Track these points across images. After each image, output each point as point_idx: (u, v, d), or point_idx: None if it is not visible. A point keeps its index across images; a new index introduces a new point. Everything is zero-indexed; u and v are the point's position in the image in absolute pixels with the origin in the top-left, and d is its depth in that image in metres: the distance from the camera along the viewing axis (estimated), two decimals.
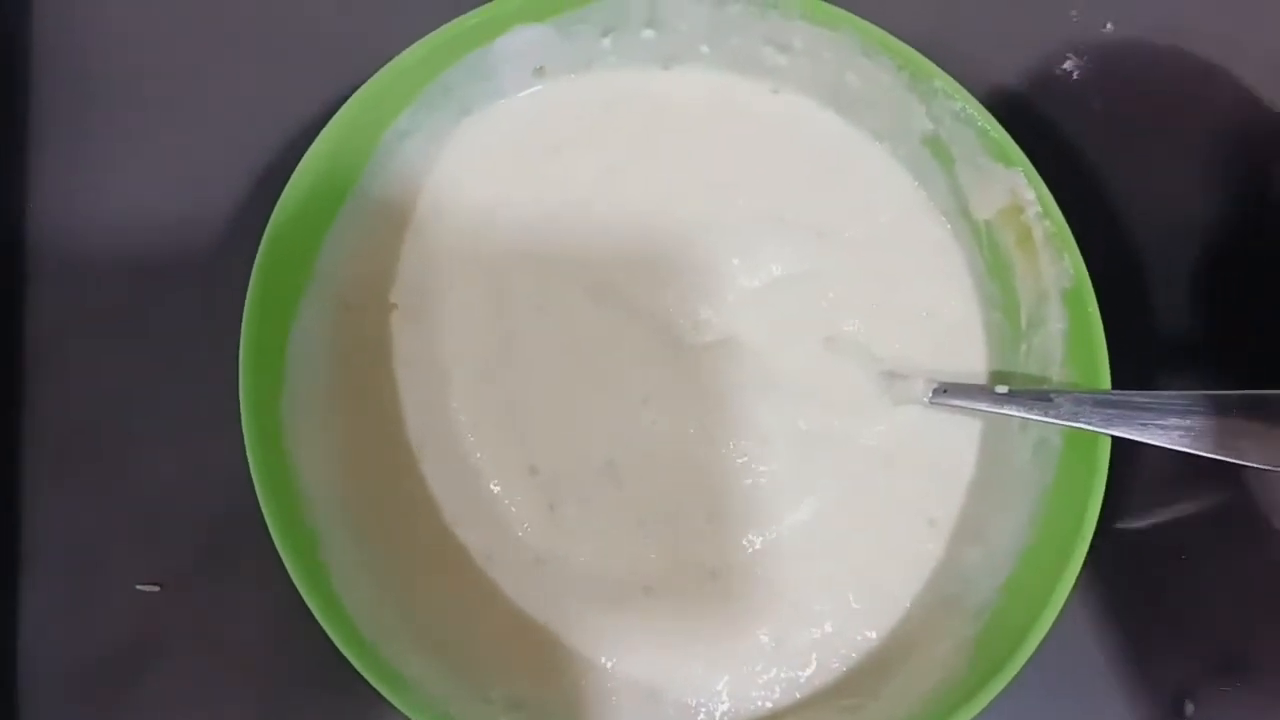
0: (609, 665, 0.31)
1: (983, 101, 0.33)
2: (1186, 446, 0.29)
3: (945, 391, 0.33)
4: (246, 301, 0.29)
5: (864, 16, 0.33)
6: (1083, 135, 0.38)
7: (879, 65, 0.33)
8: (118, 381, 0.35)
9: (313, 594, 0.28)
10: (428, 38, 0.32)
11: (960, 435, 0.34)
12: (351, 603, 0.29)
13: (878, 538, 0.33)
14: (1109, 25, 0.40)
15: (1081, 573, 0.30)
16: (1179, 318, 0.38)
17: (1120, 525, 0.35)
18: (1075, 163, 0.38)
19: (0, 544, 0.33)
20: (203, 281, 0.35)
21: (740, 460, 0.33)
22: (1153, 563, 0.36)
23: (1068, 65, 0.39)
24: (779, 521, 0.33)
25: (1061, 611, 0.29)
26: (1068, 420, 0.30)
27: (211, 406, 0.32)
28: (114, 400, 0.35)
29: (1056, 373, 0.32)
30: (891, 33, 0.33)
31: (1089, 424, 0.30)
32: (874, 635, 0.32)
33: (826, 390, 0.34)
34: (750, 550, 0.32)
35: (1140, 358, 0.36)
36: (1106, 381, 0.31)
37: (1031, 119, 0.38)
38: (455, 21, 0.32)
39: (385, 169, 0.33)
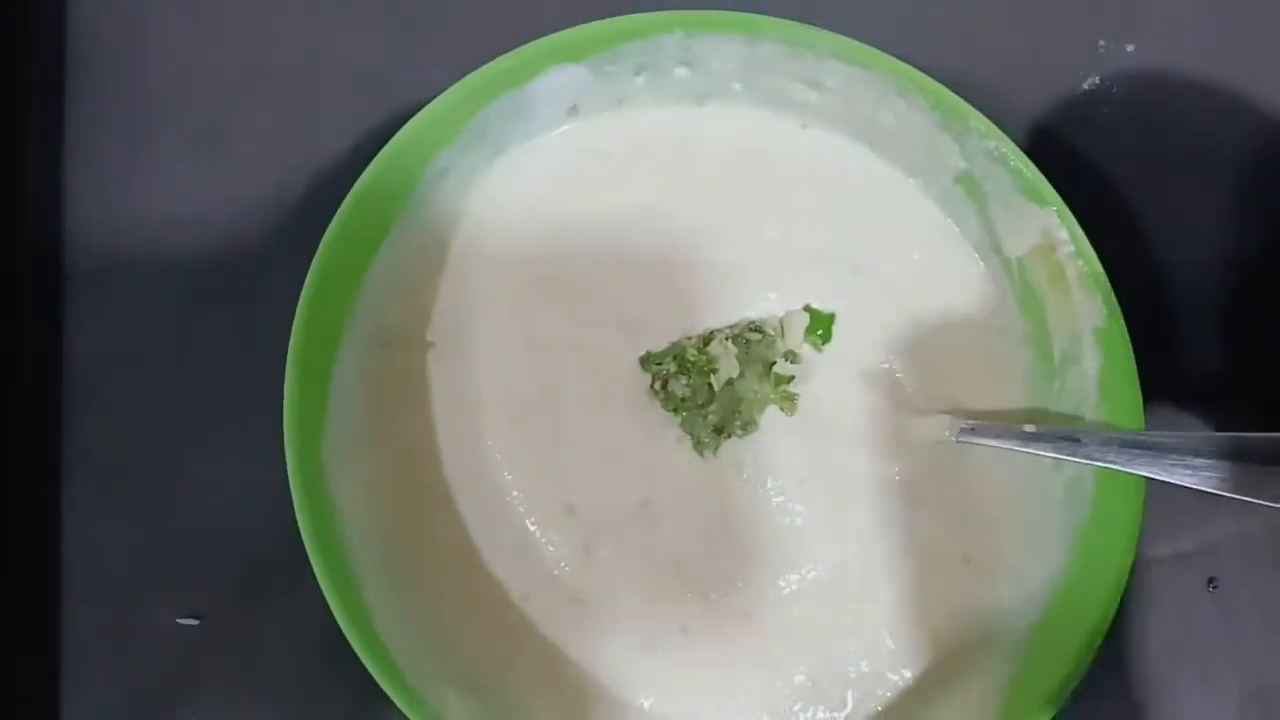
0: (646, 705, 0.32)
1: (1010, 134, 0.33)
2: (1213, 488, 0.29)
3: (973, 430, 0.33)
4: (291, 340, 0.30)
5: (890, 49, 0.33)
6: (1113, 168, 0.38)
7: (912, 104, 0.33)
8: (157, 413, 0.35)
9: (357, 636, 0.28)
10: (468, 78, 0.32)
11: (994, 473, 0.34)
12: (392, 642, 0.29)
13: (912, 576, 0.33)
14: (1137, 55, 0.40)
15: None
16: (1212, 354, 0.38)
17: (1150, 553, 0.36)
18: (1104, 196, 0.38)
19: (40, 575, 0.34)
20: (241, 312, 0.35)
21: (776, 500, 0.33)
22: (1183, 592, 0.36)
23: (1096, 96, 0.39)
24: (814, 560, 0.33)
25: None
26: (1095, 460, 0.30)
27: (250, 439, 0.33)
28: (153, 432, 0.35)
29: (1090, 411, 0.32)
30: (918, 66, 0.33)
31: (1116, 464, 0.30)
32: (909, 674, 0.32)
33: (861, 428, 0.34)
34: (786, 590, 0.33)
35: (1172, 394, 0.36)
36: (1140, 421, 0.31)
37: (1060, 152, 0.38)
38: (494, 62, 0.32)
39: (422, 208, 0.33)
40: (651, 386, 0.33)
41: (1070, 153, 0.38)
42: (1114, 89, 0.39)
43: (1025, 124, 0.38)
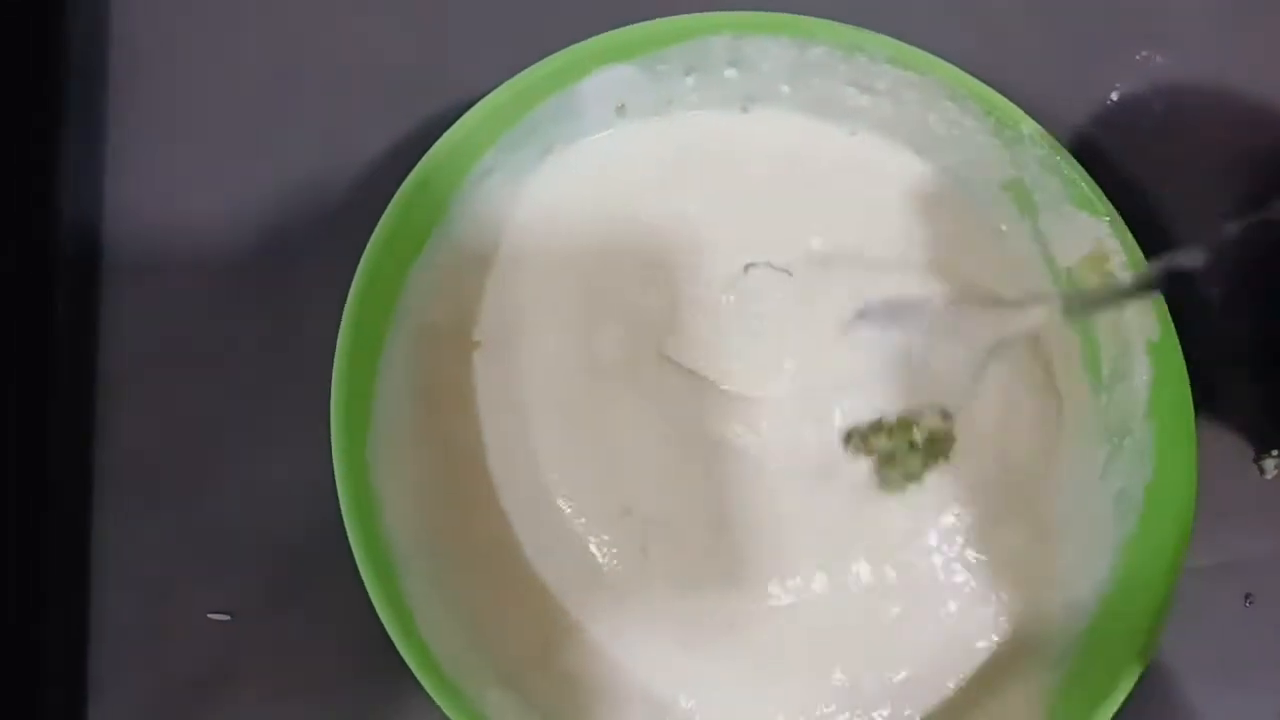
0: (687, 705, 0.32)
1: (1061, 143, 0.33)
2: None
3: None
4: (339, 338, 0.29)
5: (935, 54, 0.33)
6: (1150, 180, 0.38)
7: (964, 110, 0.33)
8: (193, 410, 0.35)
9: (399, 632, 0.28)
10: (516, 79, 0.32)
11: (1042, 479, 0.34)
12: (433, 639, 0.29)
13: (957, 581, 0.33)
14: (1173, 66, 0.39)
15: None
16: (1256, 366, 0.37)
17: (1187, 566, 0.35)
18: (1141, 208, 0.38)
19: (71, 570, 0.34)
20: (280, 310, 0.35)
21: (828, 501, 0.33)
22: (1220, 607, 0.36)
23: (1132, 108, 0.39)
24: (854, 562, 0.33)
25: None
26: None
27: (285, 437, 0.32)
28: (188, 429, 0.35)
29: (1138, 426, 0.32)
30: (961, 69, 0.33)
31: None
32: (950, 684, 0.32)
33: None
34: (831, 592, 0.32)
35: (1213, 405, 0.36)
36: (1192, 437, 0.31)
37: (1099, 163, 0.38)
38: (543, 62, 0.32)
39: (469, 207, 0.33)
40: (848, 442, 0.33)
41: (1108, 164, 0.38)
42: (1147, 99, 0.39)
43: (1056, 133, 0.38)
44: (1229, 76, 0.39)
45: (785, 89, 0.35)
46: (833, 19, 0.33)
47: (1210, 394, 0.36)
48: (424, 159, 0.31)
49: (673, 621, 0.32)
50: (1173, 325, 0.31)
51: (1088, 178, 0.32)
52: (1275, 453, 0.37)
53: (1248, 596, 0.36)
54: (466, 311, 0.33)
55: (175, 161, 0.36)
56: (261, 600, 0.34)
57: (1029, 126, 0.32)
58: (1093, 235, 0.32)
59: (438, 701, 0.28)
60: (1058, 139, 0.33)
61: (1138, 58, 0.39)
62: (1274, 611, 0.36)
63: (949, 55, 0.33)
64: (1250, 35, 0.40)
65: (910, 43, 0.33)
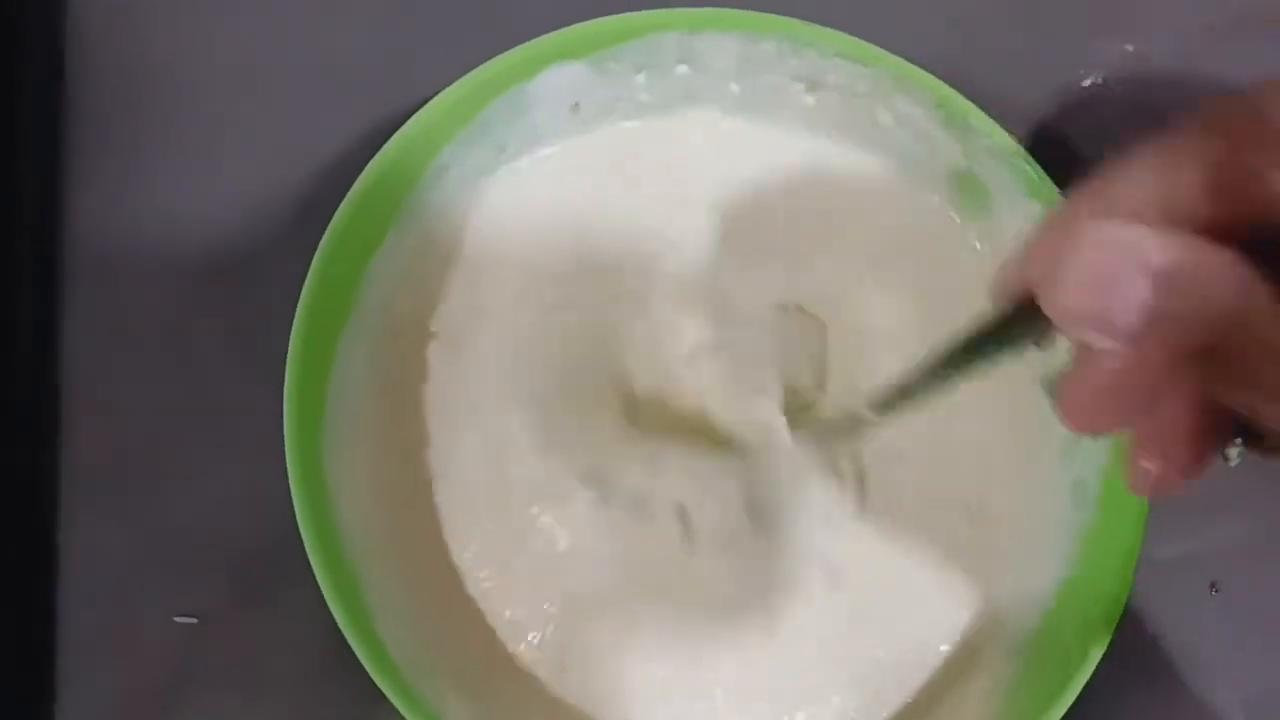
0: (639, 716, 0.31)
1: (1011, 134, 0.33)
2: None
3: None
4: (293, 332, 0.30)
5: (885, 48, 0.33)
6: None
7: (915, 101, 0.33)
8: (154, 409, 0.35)
9: (356, 635, 0.28)
10: (469, 75, 0.32)
11: (998, 467, 0.34)
12: (391, 642, 0.29)
13: (912, 575, 0.33)
14: (1136, 54, 0.39)
15: None
16: None
17: (1152, 556, 0.35)
18: None
19: (35, 573, 0.34)
20: (242, 310, 0.35)
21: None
22: (1185, 596, 0.36)
23: (1096, 95, 0.39)
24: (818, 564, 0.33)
25: None
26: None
27: (250, 439, 0.32)
28: (150, 429, 0.35)
29: None
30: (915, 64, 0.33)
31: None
32: (910, 680, 0.32)
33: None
34: (799, 599, 0.33)
35: None
36: None
37: (1061, 152, 0.38)
38: (495, 59, 0.32)
39: (426, 203, 0.33)
40: None
41: (1071, 152, 0.38)
42: (1115, 88, 0.39)
43: (1025, 123, 0.38)
44: (1198, 66, 0.39)
45: (735, 88, 0.35)
46: (800, 16, 0.33)
47: None
48: (378, 155, 0.31)
49: (632, 632, 0.32)
50: None
51: (1037, 167, 0.32)
52: (1238, 441, 0.37)
53: (1213, 585, 0.36)
54: (426, 304, 0.33)
55: (134, 164, 0.36)
56: (226, 603, 0.34)
57: (978, 118, 0.32)
58: None
59: (398, 705, 0.28)
60: (1028, 129, 0.33)
61: (1107, 47, 0.40)
62: (1239, 600, 0.36)
63: (915, 45, 0.33)
64: (1219, 23, 0.40)
65: (875, 35, 0.33)
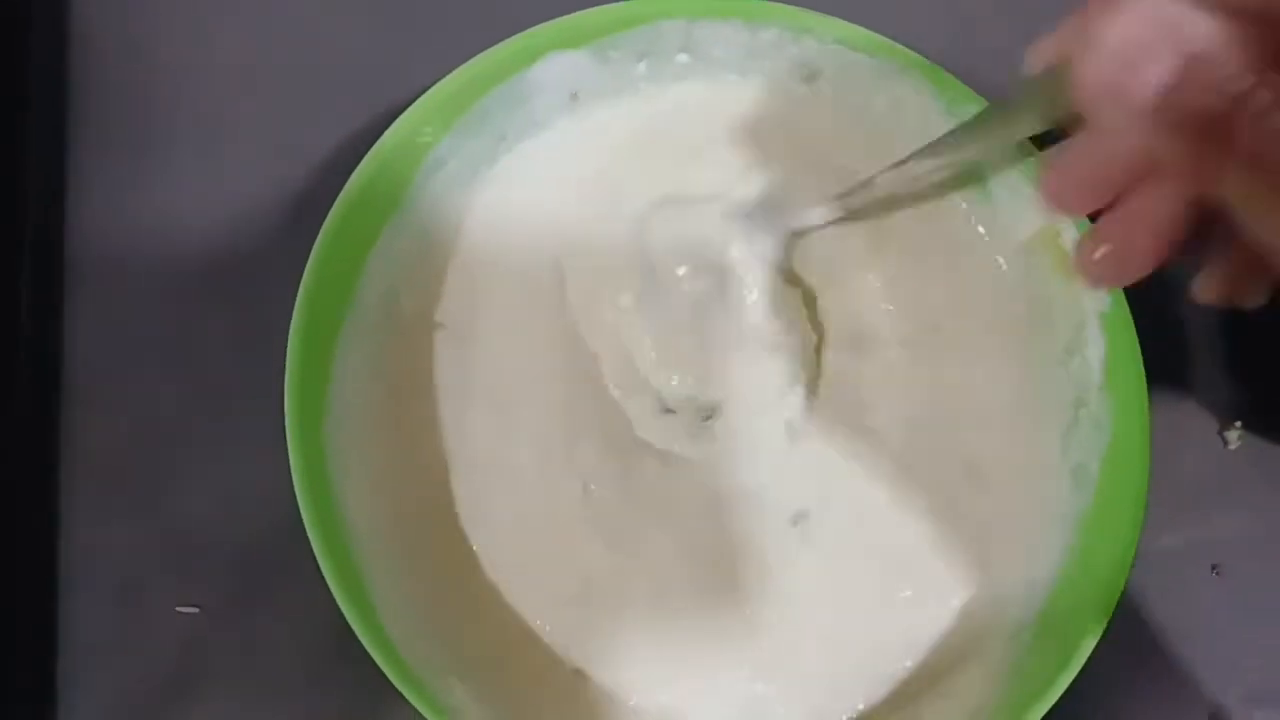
0: (633, 703, 0.32)
1: None
2: None
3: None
4: (292, 324, 0.30)
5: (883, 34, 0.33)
6: None
7: (918, 90, 0.33)
8: (157, 403, 0.35)
9: (361, 624, 0.28)
10: (465, 66, 0.32)
11: (999, 451, 0.34)
12: (396, 631, 0.29)
13: (911, 561, 0.33)
14: None
15: None
16: (1215, 343, 0.38)
17: (1155, 542, 0.35)
18: None
19: (39, 565, 0.34)
20: (242, 307, 0.35)
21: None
22: (1187, 579, 0.36)
23: None
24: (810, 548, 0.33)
25: None
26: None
27: (252, 434, 0.32)
28: (151, 428, 0.35)
29: (1094, 397, 0.32)
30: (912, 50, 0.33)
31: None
32: (908, 663, 0.32)
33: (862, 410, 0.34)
34: (794, 592, 0.33)
35: (1176, 381, 0.37)
36: (1145, 405, 0.31)
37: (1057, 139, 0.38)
38: (492, 49, 0.32)
39: (425, 195, 0.33)
40: None
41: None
42: None
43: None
44: None
45: (733, 77, 0.35)
46: (802, 5, 0.33)
47: (1173, 367, 0.36)
48: (377, 145, 0.31)
49: (633, 621, 0.32)
50: (1124, 298, 0.31)
51: (1035, 151, 0.32)
52: (1238, 424, 0.37)
53: (1215, 568, 0.36)
54: (429, 295, 0.33)
55: (135, 164, 0.37)
56: (229, 597, 0.34)
57: (975, 104, 0.32)
58: (1043, 209, 0.32)
59: (403, 692, 0.28)
60: None
61: None
62: (1242, 583, 0.36)
63: (913, 42, 0.33)
64: None
65: (875, 24, 0.33)
